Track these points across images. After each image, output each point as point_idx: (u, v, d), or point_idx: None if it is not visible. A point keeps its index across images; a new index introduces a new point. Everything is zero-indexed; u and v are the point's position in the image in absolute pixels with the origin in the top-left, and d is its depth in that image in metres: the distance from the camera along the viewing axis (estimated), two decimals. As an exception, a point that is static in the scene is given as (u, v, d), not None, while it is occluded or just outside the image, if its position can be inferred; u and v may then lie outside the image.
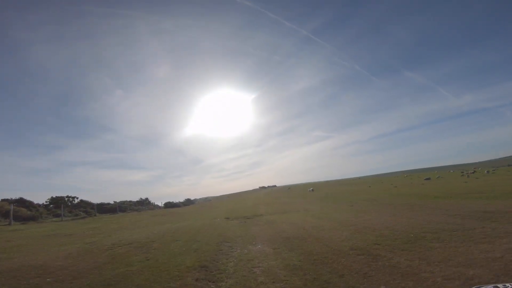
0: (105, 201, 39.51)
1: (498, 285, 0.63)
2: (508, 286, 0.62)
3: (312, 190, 47.66)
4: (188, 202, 79.75)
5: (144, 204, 42.09)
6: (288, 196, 35.59)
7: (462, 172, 60.47)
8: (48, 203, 28.13)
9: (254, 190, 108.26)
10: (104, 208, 33.54)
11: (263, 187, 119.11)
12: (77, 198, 30.21)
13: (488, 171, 53.16)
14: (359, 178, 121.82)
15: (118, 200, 40.72)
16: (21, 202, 24.59)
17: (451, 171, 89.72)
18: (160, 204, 45.40)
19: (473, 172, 55.05)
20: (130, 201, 41.30)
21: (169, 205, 41.48)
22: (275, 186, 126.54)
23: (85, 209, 27.86)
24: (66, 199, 29.43)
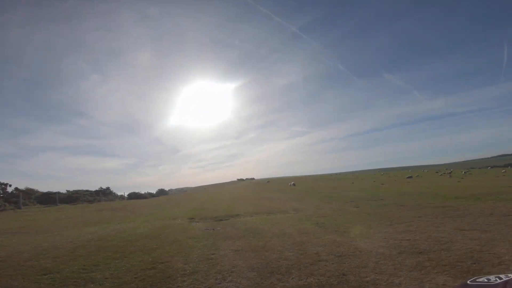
0: (71, 188, 33.44)
1: (490, 277, 0.59)
2: (502, 277, 0.58)
3: (294, 184, 44.20)
4: (161, 192, 73.81)
5: (105, 194, 36.23)
6: (269, 190, 31.64)
7: (437, 172, 60.56)
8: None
9: (232, 182, 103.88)
10: (50, 199, 27.67)
11: (241, 179, 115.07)
12: (10, 185, 24.16)
13: (464, 172, 53.01)
14: (337, 174, 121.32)
15: (75, 189, 34.76)
16: None
17: (424, 171, 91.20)
18: (125, 195, 39.75)
19: (450, 172, 54.92)
20: (86, 191, 35.31)
21: (133, 196, 35.98)
22: (253, 178, 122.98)
23: (17, 199, 21.97)
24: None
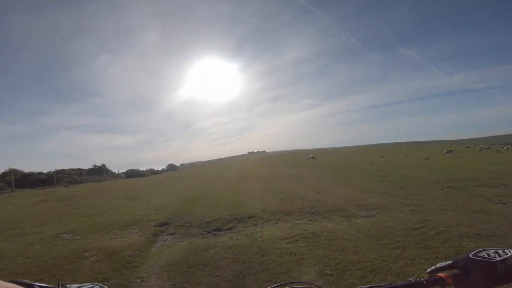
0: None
1: (490, 252, 0.60)
2: (500, 254, 0.59)
3: (313, 157, 38.56)
4: (171, 168, 70.09)
5: (100, 172, 31.85)
6: (287, 165, 26.15)
7: (467, 147, 53.09)
8: None
9: (243, 156, 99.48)
10: (30, 180, 23.32)
11: (252, 152, 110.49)
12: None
13: (507, 148, 45.56)
14: (353, 147, 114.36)
15: (75, 167, 30.63)
16: None
17: (452, 145, 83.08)
18: (119, 173, 35.27)
19: (488, 148, 47.74)
20: (78, 169, 30.96)
21: (131, 174, 31.42)
22: (264, 151, 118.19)
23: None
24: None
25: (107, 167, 33.39)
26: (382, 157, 35.22)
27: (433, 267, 0.67)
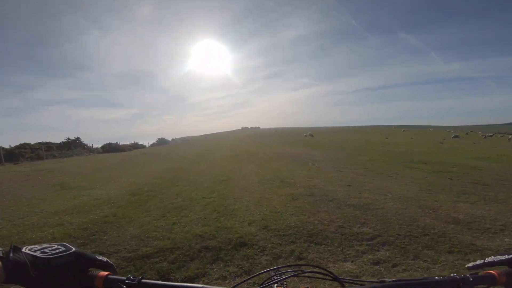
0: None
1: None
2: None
3: (311, 135, 35.16)
4: (161, 142, 66.19)
5: (72, 146, 27.61)
6: (285, 143, 22.65)
7: (467, 133, 50.64)
8: None
9: (236, 131, 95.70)
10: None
11: (246, 128, 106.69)
12: None
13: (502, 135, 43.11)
14: (350, 127, 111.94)
15: (38, 141, 26.34)
16: None
17: (449, 131, 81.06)
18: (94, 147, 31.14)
19: (491, 136, 45.56)
20: (47, 143, 26.67)
21: (108, 149, 27.27)
22: (258, 127, 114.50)
23: None
24: None
25: (82, 140, 29.15)
26: (387, 138, 32.13)
27: (477, 262, 0.54)
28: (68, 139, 28.74)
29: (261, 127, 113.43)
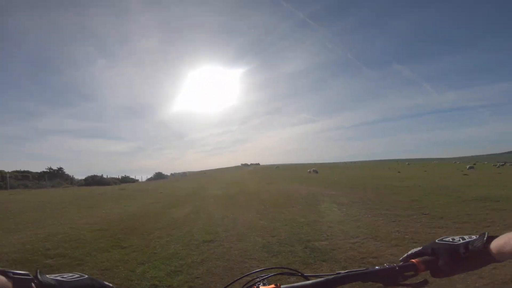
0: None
1: (455, 237, 0.64)
2: (465, 238, 0.62)
3: (316, 171, 32.22)
4: (158, 176, 63.08)
5: (51, 177, 24.61)
6: (289, 180, 19.70)
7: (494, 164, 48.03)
8: None
9: (236, 167, 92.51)
10: None
11: (246, 164, 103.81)
12: None
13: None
14: (351, 162, 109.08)
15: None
16: None
17: (456, 162, 78.39)
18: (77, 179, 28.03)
19: (503, 164, 43.24)
20: (24, 172, 23.87)
21: (91, 181, 24.19)
22: (258, 164, 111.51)
23: None
24: None
25: (64, 171, 26.20)
26: (399, 172, 29.25)
27: (405, 255, 0.66)
28: (50, 168, 25.78)
29: (261, 163, 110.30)
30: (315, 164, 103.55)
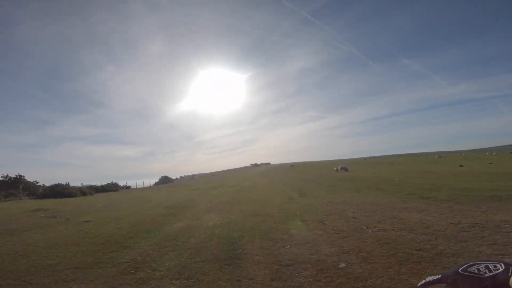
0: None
1: (480, 266, 0.57)
2: (498, 267, 0.56)
3: (345, 169, 25.14)
4: (164, 180, 57.69)
5: (10, 187, 18.67)
6: (318, 186, 12.86)
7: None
8: None
9: (246, 168, 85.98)
10: None
11: (256, 164, 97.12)
12: None
13: None
14: (370, 158, 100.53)
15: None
16: None
17: (493, 153, 69.12)
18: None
19: None
20: None
21: (51, 193, 17.89)
22: (268, 163, 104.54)
23: None
24: None
25: (25, 179, 20.22)
26: (462, 166, 21.92)
27: (423, 281, 0.62)
28: (7, 176, 19.82)
29: (272, 162, 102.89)
30: (329, 161, 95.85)
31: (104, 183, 28.63)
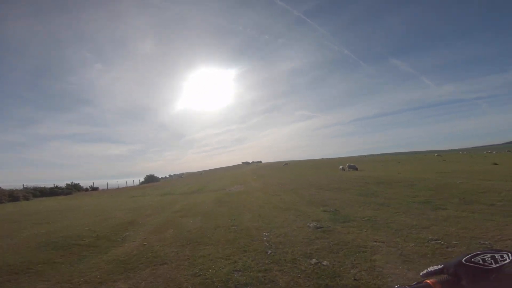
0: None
1: (485, 256, 0.52)
2: (505, 257, 0.51)
3: (354, 168, 20.61)
4: (150, 179, 53.04)
5: None
6: (332, 189, 8.09)
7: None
8: None
9: (237, 166, 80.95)
10: None
11: (247, 163, 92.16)
12: None
13: None
14: (362, 156, 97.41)
15: None
16: None
17: (463, 152, 66.80)
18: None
19: None
20: None
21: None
22: (260, 162, 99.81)
23: None
24: None
25: None
26: (496, 164, 17.80)
27: (425, 271, 0.58)
28: None
29: (263, 161, 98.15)
30: (323, 159, 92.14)
31: (89, 182, 23.81)
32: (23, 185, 17.53)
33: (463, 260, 0.52)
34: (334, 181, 12.39)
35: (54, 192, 17.87)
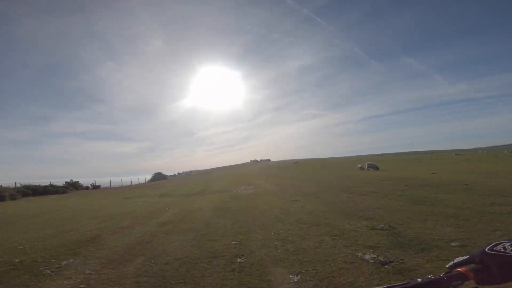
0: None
1: (506, 244, 0.56)
2: None
3: (375, 167, 18.41)
4: (157, 177, 51.83)
5: None
6: (366, 196, 6.06)
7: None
8: None
9: (245, 164, 79.21)
10: None
11: (255, 161, 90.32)
12: None
13: None
14: (375, 155, 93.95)
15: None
16: None
17: (484, 152, 62.68)
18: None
19: None
20: None
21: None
22: (269, 160, 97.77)
23: None
24: None
25: None
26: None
27: (451, 263, 0.60)
28: None
29: (272, 159, 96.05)
30: (333, 158, 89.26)
31: (94, 180, 22.70)
32: (15, 183, 16.25)
33: (486, 249, 0.53)
34: (360, 183, 10.33)
35: (48, 191, 16.49)
